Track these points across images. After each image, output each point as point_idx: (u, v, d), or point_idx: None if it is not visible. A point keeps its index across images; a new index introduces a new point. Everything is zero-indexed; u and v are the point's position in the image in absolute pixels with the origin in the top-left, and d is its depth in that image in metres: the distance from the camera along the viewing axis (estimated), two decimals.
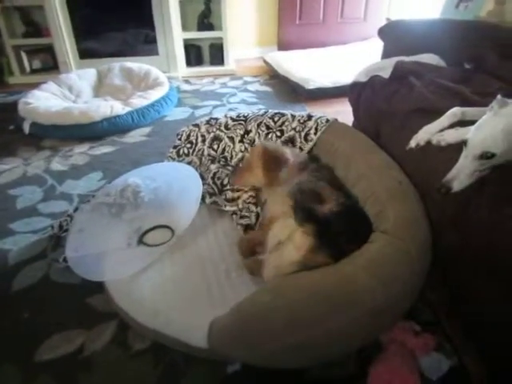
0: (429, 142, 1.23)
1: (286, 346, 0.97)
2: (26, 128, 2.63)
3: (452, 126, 1.22)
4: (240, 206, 1.59)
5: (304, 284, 1.06)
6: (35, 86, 3.02)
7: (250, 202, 1.59)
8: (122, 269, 1.37)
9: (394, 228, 1.17)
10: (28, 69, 3.85)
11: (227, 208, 1.61)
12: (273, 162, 1.56)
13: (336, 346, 1.03)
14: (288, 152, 1.59)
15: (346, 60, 3.74)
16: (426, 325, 1.20)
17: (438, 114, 1.26)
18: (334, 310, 0.99)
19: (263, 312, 1.01)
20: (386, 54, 2.05)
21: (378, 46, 2.47)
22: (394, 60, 1.68)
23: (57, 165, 2.31)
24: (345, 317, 0.98)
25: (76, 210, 1.77)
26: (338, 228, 1.19)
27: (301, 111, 1.91)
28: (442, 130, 1.22)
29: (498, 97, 0.98)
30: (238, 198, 1.62)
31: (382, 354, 1.11)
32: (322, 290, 1.03)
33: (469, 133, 1.01)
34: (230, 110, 3.03)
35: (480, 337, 1.13)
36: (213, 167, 1.74)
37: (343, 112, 2.39)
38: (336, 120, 1.79)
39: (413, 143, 1.29)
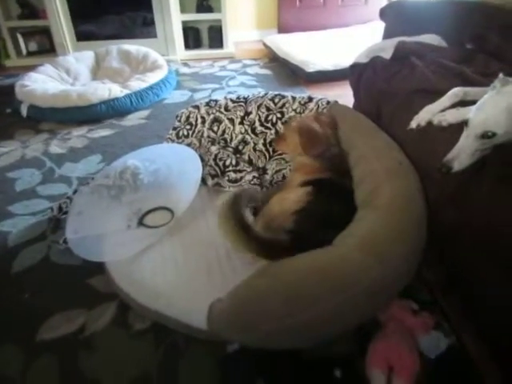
0: (430, 123, 1.22)
1: (283, 327, 0.97)
2: (24, 111, 2.61)
3: (453, 106, 1.21)
4: (245, 188, 1.59)
5: (299, 266, 1.06)
6: (32, 68, 2.99)
7: (254, 184, 1.59)
8: (122, 250, 1.38)
9: (390, 204, 1.16)
10: (24, 51, 3.81)
11: (231, 189, 1.61)
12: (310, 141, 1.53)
13: (333, 325, 1.04)
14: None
15: (346, 43, 3.69)
16: (423, 304, 1.21)
17: (439, 94, 1.25)
18: (331, 290, 0.99)
19: (259, 295, 1.02)
20: (388, 35, 2.02)
21: (379, 29, 2.43)
22: (395, 40, 1.66)
23: (55, 148, 2.30)
24: (341, 296, 0.98)
25: (75, 192, 1.77)
26: (311, 231, 1.20)
27: (301, 94, 1.89)
28: (443, 110, 1.21)
29: (501, 75, 0.96)
30: (241, 178, 1.62)
31: (380, 332, 1.12)
32: (318, 270, 1.03)
33: (470, 112, 1.00)
34: (230, 93, 3.00)
35: (478, 315, 1.14)
36: (213, 149, 1.73)
37: (344, 95, 2.37)
38: (336, 102, 1.77)
39: (414, 124, 1.27)
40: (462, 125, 1.03)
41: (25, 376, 1.12)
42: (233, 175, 1.64)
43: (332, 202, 1.30)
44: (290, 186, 1.43)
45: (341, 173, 1.42)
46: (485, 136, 0.94)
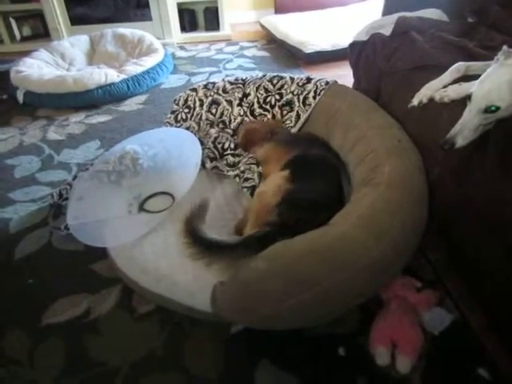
0: (432, 99, 1.21)
1: (285, 308, 0.98)
2: (20, 97, 2.59)
3: (456, 81, 1.19)
4: (242, 169, 1.58)
5: (299, 246, 1.06)
6: (27, 54, 2.95)
7: (251, 163, 1.58)
8: (124, 235, 1.38)
9: (389, 180, 1.16)
10: (18, 36, 3.75)
11: (229, 173, 1.60)
12: (249, 141, 1.62)
13: (335, 304, 1.04)
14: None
15: (345, 22, 3.62)
16: (426, 282, 1.21)
17: (441, 69, 1.23)
18: (331, 268, 0.99)
19: (260, 278, 1.02)
20: (387, 11, 1.98)
21: (378, 6, 2.39)
22: (395, 16, 1.62)
23: (53, 134, 2.29)
24: (342, 274, 0.99)
25: (75, 178, 1.76)
26: (298, 219, 1.18)
27: (299, 75, 1.86)
28: (445, 86, 1.19)
29: (504, 47, 0.94)
30: (239, 162, 1.61)
31: (383, 310, 1.13)
32: (318, 249, 1.03)
33: (473, 87, 0.98)
34: (227, 76, 2.96)
35: (480, 290, 1.14)
36: (213, 131, 1.72)
37: (343, 76, 2.34)
38: (335, 82, 1.75)
39: (415, 101, 1.26)
40: (464, 100, 1.01)
41: (32, 359, 1.13)
42: (231, 159, 1.63)
43: (314, 183, 1.29)
44: (268, 177, 1.44)
45: (312, 145, 1.45)
46: (488, 110, 0.93)
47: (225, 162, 1.63)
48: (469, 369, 1.04)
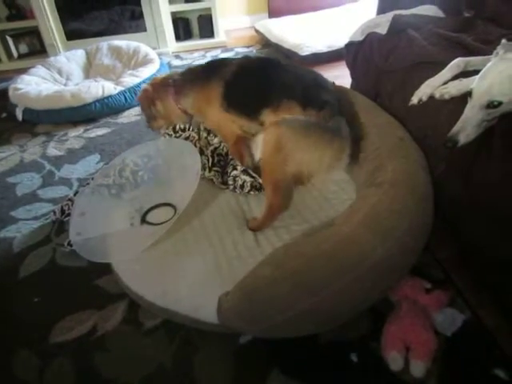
0: (432, 97, 1.19)
1: (294, 315, 0.96)
2: (19, 115, 2.58)
3: (455, 77, 1.17)
4: (230, 182, 1.56)
5: (303, 250, 1.04)
6: (24, 71, 2.96)
7: (237, 176, 1.55)
8: (128, 249, 1.36)
9: (392, 180, 1.15)
10: (15, 54, 3.76)
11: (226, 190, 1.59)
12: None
13: (344, 308, 1.03)
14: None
15: (339, 23, 3.62)
16: (436, 282, 1.19)
17: (440, 66, 1.21)
18: (338, 270, 0.98)
19: (267, 285, 1.00)
20: (382, 10, 1.97)
21: (371, 6, 2.38)
22: (390, 15, 1.61)
23: (53, 150, 2.29)
24: (349, 276, 0.97)
25: (76, 193, 1.75)
26: None
27: None
28: (445, 83, 1.18)
29: (503, 41, 0.93)
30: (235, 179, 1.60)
31: (394, 313, 1.11)
32: (323, 252, 1.02)
33: (474, 82, 0.97)
34: None
35: (493, 288, 1.12)
36: (216, 141, 1.69)
37: (340, 76, 2.33)
38: (333, 83, 1.73)
39: (415, 99, 1.24)
40: (465, 96, 1.00)
41: (41, 380, 1.12)
42: (225, 177, 1.61)
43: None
44: None
45: None
46: (490, 106, 0.92)
47: (220, 179, 1.60)
48: (485, 369, 1.02)
